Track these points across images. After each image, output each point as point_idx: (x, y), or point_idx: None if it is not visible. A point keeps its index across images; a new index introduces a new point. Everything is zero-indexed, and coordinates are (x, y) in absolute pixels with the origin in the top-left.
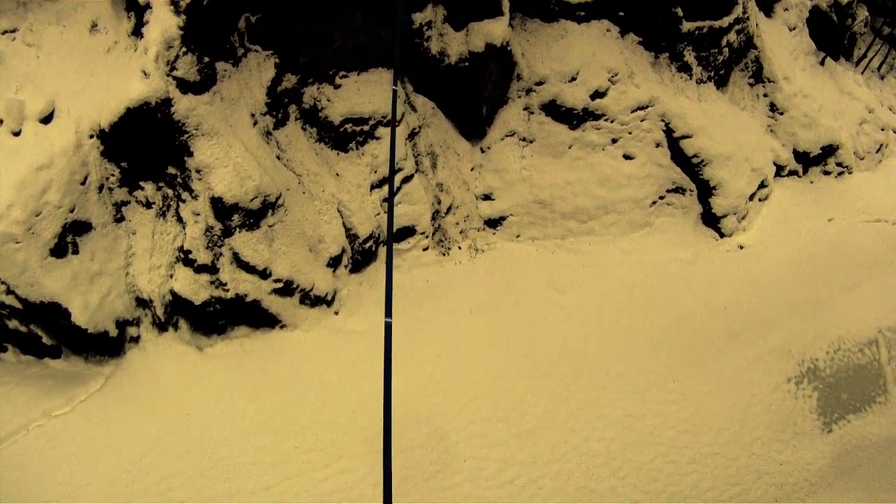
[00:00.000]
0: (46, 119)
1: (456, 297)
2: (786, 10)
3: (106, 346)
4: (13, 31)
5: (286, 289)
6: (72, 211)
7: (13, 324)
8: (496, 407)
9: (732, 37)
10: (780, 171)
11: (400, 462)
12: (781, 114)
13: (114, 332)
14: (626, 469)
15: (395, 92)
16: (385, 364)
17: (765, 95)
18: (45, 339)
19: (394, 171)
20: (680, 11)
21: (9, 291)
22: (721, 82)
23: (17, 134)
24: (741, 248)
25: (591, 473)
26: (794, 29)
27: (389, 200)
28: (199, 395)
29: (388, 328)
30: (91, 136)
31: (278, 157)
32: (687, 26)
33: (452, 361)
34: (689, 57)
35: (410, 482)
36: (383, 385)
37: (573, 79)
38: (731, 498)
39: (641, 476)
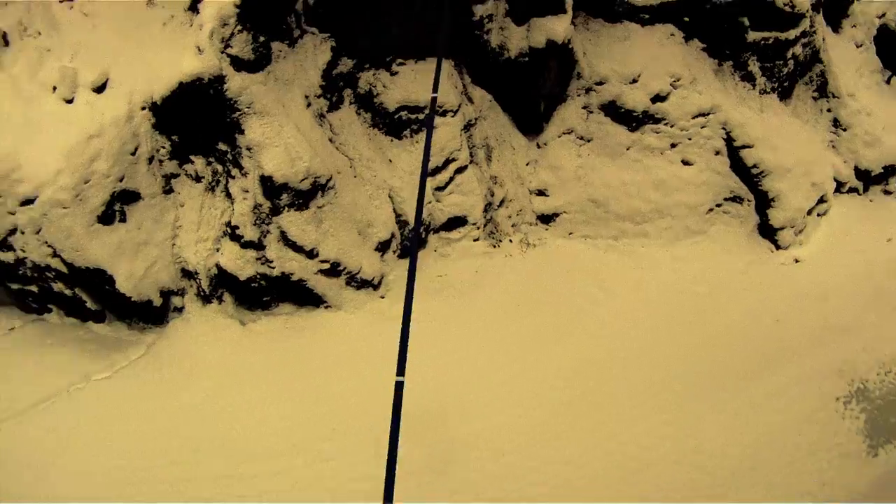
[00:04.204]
0: (99, 89)
1: (504, 289)
2: (853, 26)
3: (149, 314)
4: None
5: (333, 270)
6: (120, 180)
7: (58, 286)
8: (533, 405)
9: (798, 49)
10: (839, 187)
11: (422, 454)
12: (844, 130)
13: (158, 301)
14: (662, 479)
15: (434, 99)
16: (392, 428)
17: (828, 111)
18: (90, 304)
19: (425, 179)
20: (746, 20)
21: (55, 255)
22: (784, 94)
23: (69, 101)
24: (797, 261)
25: (626, 479)
26: (861, 46)
27: (416, 221)
28: (239, 368)
29: (398, 388)
30: (143, 108)
31: (331, 140)
32: (752, 36)
33: (495, 355)
34: (754, 67)
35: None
36: (388, 452)
37: (634, 81)
38: None
39: (678, 488)
